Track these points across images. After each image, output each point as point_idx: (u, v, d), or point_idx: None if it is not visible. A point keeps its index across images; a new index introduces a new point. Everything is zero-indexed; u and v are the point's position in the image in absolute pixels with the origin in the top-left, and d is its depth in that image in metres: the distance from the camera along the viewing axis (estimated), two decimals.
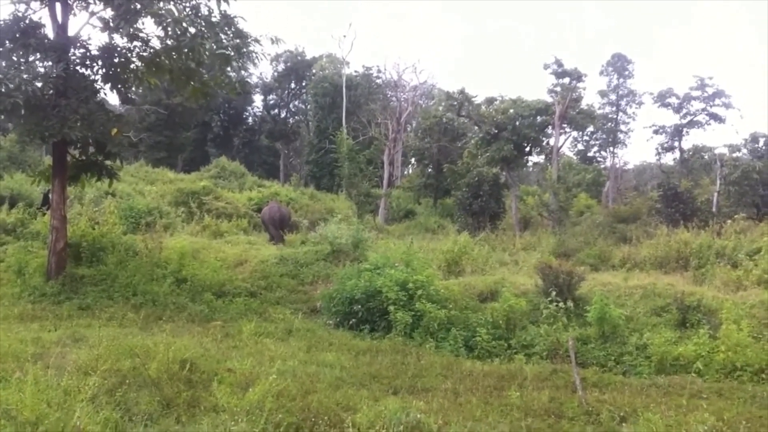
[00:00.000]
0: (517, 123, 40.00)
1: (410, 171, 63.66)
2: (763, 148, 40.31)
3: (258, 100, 74.21)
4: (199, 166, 51.46)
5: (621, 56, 56.94)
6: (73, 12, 16.46)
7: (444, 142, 49.67)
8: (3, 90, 14.11)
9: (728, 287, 16.89)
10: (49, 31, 16.17)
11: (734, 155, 40.77)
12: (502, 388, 10.31)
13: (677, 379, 11.27)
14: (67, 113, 15.07)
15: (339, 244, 20.96)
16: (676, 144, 51.08)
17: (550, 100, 42.33)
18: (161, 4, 15.44)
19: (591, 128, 52.48)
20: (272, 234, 25.71)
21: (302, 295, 18.09)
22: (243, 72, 19.01)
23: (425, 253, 21.12)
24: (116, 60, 16.59)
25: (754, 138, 41.19)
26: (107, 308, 14.86)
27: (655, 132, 51.84)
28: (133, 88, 17.87)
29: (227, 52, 16.32)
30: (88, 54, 16.50)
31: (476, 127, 44.25)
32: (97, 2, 16.17)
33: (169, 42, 16.19)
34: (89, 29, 16.75)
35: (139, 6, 15.29)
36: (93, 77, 16.64)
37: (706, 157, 46.45)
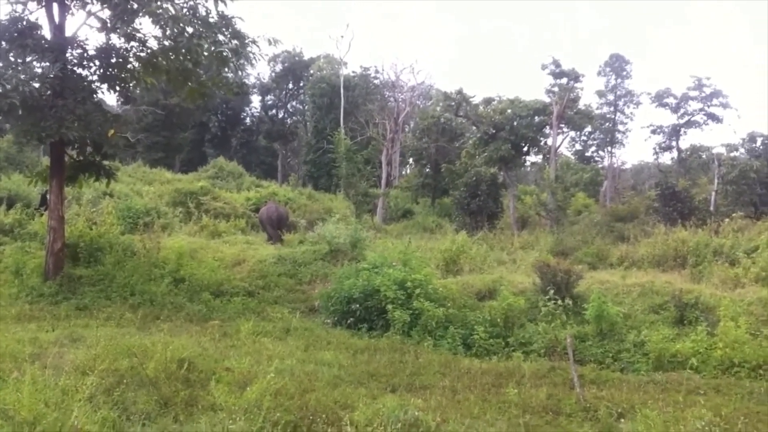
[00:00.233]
0: (515, 123, 40.02)
1: (408, 171, 63.66)
2: (761, 147, 40.24)
3: (256, 100, 74.36)
4: (196, 167, 51.48)
5: (619, 57, 56.97)
6: (71, 12, 16.43)
7: (442, 142, 49.71)
8: (0, 91, 14.11)
9: (726, 285, 16.92)
10: (47, 32, 16.17)
11: (732, 155, 40.78)
12: (500, 385, 10.32)
13: (675, 375, 11.29)
14: (65, 114, 15.06)
15: (337, 243, 20.95)
16: (674, 144, 51.07)
17: (547, 100, 42.33)
18: (159, 3, 15.43)
19: (589, 128, 52.51)
20: (270, 234, 25.71)
21: (300, 295, 18.08)
22: (240, 72, 18.98)
23: (423, 252, 21.12)
24: (113, 60, 16.59)
25: (752, 137, 41.13)
26: (105, 308, 14.85)
27: (653, 132, 51.83)
28: (131, 89, 17.85)
29: (225, 53, 16.33)
30: (85, 54, 16.49)
31: (474, 127, 44.30)
32: (95, 2, 16.16)
33: (166, 42, 16.21)
34: (86, 30, 16.77)
35: (136, 6, 15.30)
36: (90, 78, 16.65)
37: (703, 156, 46.45)
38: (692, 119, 49.30)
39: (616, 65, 56.71)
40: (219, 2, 15.83)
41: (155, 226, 24.95)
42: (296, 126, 72.17)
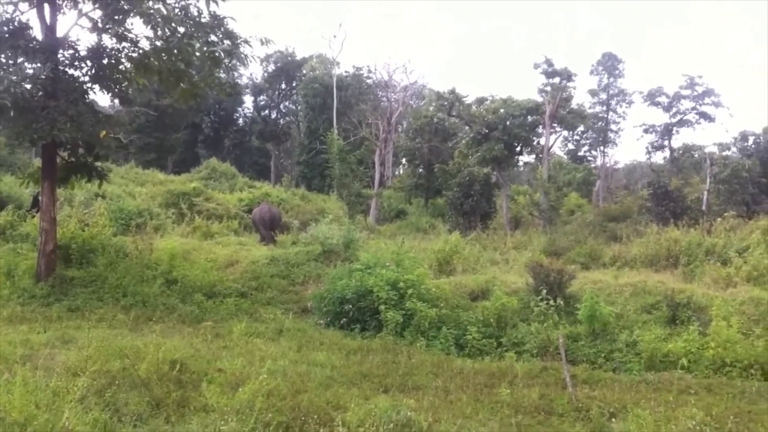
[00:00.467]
0: (508, 123, 40.16)
1: (401, 171, 63.69)
2: (753, 146, 40.48)
3: (248, 101, 74.36)
4: (189, 168, 51.36)
5: (611, 56, 57.17)
6: (62, 11, 16.35)
7: (435, 142, 49.77)
8: None
9: (718, 284, 16.96)
10: (38, 33, 16.10)
11: (724, 154, 40.97)
12: (493, 385, 10.34)
13: (667, 375, 11.32)
14: (56, 115, 14.98)
15: (330, 244, 20.94)
16: (666, 143, 51.27)
17: (540, 99, 42.49)
18: (150, 3, 15.40)
19: (581, 128, 52.66)
20: (263, 235, 25.69)
21: (293, 296, 18.06)
22: (233, 73, 18.95)
23: (416, 252, 21.12)
24: (105, 61, 16.52)
25: (744, 136, 41.38)
26: (97, 310, 14.79)
27: (645, 131, 52.04)
28: (123, 90, 17.79)
29: (217, 53, 16.31)
30: (76, 55, 16.42)
31: (467, 127, 44.42)
32: (86, 1, 16.11)
33: (158, 43, 16.16)
34: (78, 30, 16.71)
35: (127, 6, 15.25)
36: (82, 78, 16.57)
37: (695, 155, 46.62)
38: (684, 118, 49.52)
39: (609, 64, 56.93)
40: (211, 2, 15.78)
41: (148, 227, 24.87)
42: (289, 126, 72.16)
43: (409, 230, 35.50)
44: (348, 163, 42.23)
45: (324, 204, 39.81)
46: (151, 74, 17.05)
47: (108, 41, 16.53)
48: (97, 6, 15.85)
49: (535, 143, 42.72)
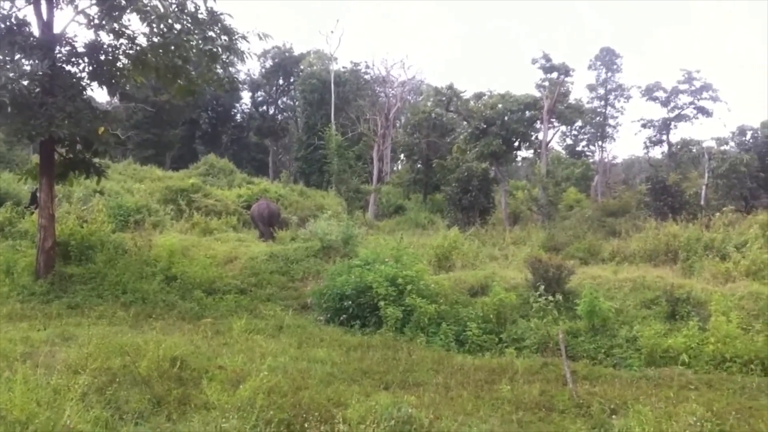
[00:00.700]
0: (506, 118, 40.12)
1: (399, 167, 63.69)
2: (751, 141, 40.48)
3: (246, 96, 74.26)
4: (187, 164, 51.24)
5: (609, 50, 57.19)
6: (59, 7, 16.30)
7: (433, 137, 49.75)
8: None
9: (717, 279, 16.98)
10: (35, 29, 16.05)
11: (722, 148, 40.95)
12: (493, 381, 10.35)
13: (667, 371, 11.33)
14: (54, 111, 14.94)
15: (329, 240, 20.95)
16: (664, 138, 51.24)
17: (538, 94, 42.47)
18: (146, 0, 15.35)
19: (579, 122, 52.75)
20: (262, 231, 25.68)
21: (293, 292, 18.05)
22: (230, 69, 18.89)
23: (415, 248, 21.08)
24: (103, 57, 16.47)
25: (742, 131, 41.37)
26: (97, 307, 14.77)
27: (643, 126, 51.99)
28: (121, 86, 17.75)
29: (215, 49, 16.27)
30: (74, 51, 16.35)
31: (465, 123, 44.39)
32: None
33: (155, 39, 16.10)
34: (75, 27, 16.65)
35: (123, 2, 15.20)
36: (80, 75, 16.52)
37: (694, 150, 46.57)
38: (682, 113, 49.50)
39: (607, 59, 56.94)
40: None
41: (146, 223, 24.89)
42: (287, 122, 72.12)
43: (407, 226, 35.48)
44: (346, 158, 42.24)
45: (322, 200, 39.78)
46: (149, 71, 16.99)
47: (105, 38, 16.49)
48: (93, 2, 15.81)
49: (533, 138, 42.69)
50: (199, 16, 16.00)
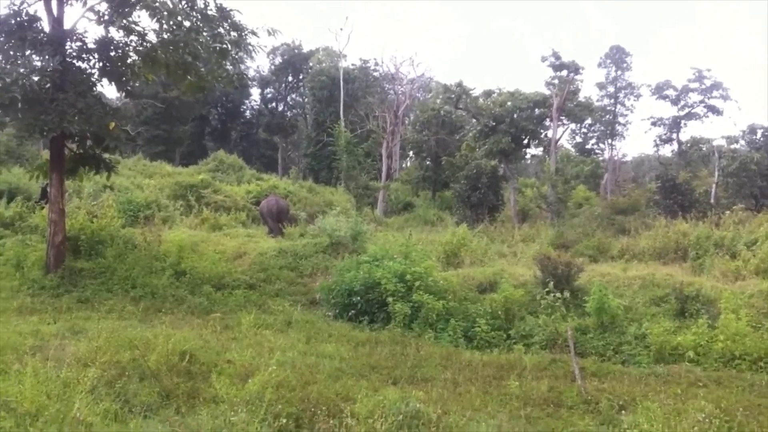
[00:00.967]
0: (515, 115, 40.00)
1: (408, 164, 63.62)
2: (761, 139, 40.23)
3: (255, 93, 74.31)
4: (197, 160, 51.31)
5: (619, 48, 57.03)
6: (69, 3, 16.35)
7: (442, 134, 49.66)
8: (0, 85, 14.08)
9: (727, 277, 16.92)
10: (45, 25, 16.11)
11: (732, 147, 40.77)
12: (502, 377, 10.36)
13: (676, 368, 11.30)
14: (65, 107, 15.02)
15: (338, 236, 20.94)
16: (674, 136, 51.10)
17: (547, 92, 42.33)
18: None
19: (589, 120, 52.59)
20: (271, 227, 25.71)
21: (301, 287, 18.07)
22: (240, 65, 18.93)
23: (424, 245, 21.07)
24: (113, 54, 16.54)
25: (752, 129, 41.14)
26: (106, 301, 14.85)
27: (653, 124, 51.85)
28: (131, 82, 17.81)
29: (224, 45, 16.30)
30: (84, 47, 16.43)
31: (474, 120, 44.28)
32: None
33: (165, 36, 16.15)
34: (85, 23, 16.70)
35: None
36: (90, 71, 16.59)
37: (704, 148, 46.35)
38: (692, 111, 49.36)
39: (617, 57, 56.77)
40: None
41: (156, 219, 24.95)
42: (296, 119, 72.19)
43: (416, 223, 35.47)
44: (355, 155, 42.23)
45: (331, 196, 39.81)
46: (159, 67, 17.05)
47: (115, 34, 16.59)
48: None
49: (542, 136, 42.55)
50: (209, 12, 16.04)
